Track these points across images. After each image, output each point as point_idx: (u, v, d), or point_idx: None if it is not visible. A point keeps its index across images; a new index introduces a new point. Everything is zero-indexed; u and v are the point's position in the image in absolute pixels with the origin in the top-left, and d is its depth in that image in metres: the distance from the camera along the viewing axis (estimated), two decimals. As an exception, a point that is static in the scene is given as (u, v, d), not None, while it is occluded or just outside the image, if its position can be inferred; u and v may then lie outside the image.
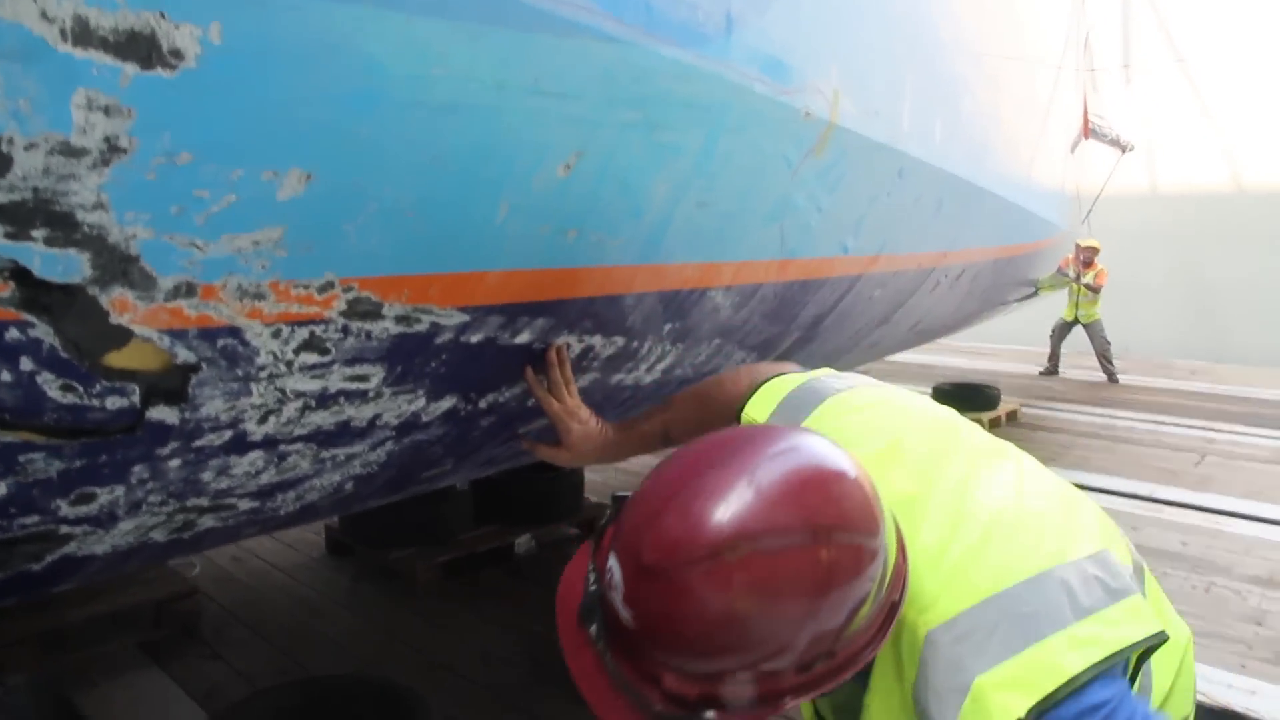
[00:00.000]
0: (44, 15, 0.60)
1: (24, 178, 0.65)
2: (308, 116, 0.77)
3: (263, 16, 0.68)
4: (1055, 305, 8.46)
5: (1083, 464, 5.70)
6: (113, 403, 0.90)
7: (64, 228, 0.70)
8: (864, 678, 0.85)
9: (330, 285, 0.93)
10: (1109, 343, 8.52)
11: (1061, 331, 8.75)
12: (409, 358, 1.13)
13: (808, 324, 2.07)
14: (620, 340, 1.51)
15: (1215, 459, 5.91)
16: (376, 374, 1.12)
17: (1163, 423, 6.93)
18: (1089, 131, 6.77)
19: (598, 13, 0.94)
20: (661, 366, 1.74)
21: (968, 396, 6.56)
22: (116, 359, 0.86)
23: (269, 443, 1.12)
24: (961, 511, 0.85)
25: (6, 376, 0.79)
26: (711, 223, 1.41)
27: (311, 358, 1.01)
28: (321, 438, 1.19)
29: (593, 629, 0.73)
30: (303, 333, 0.96)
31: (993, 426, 6.52)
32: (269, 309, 0.90)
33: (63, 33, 0.62)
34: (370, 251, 0.93)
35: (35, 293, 0.74)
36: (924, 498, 0.87)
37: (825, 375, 1.09)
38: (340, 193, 0.85)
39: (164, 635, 3.03)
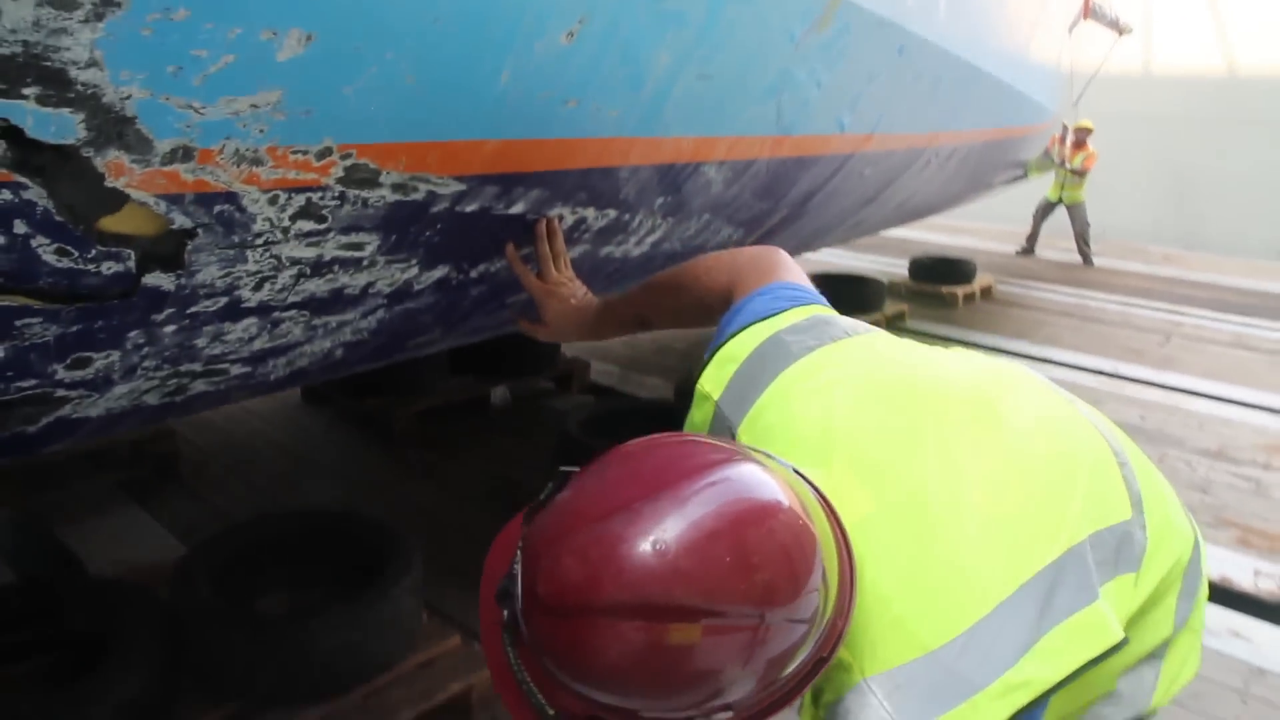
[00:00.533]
0: None
1: (13, 30, 0.62)
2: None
3: None
4: (1038, 185, 8.42)
5: (1053, 340, 5.87)
6: (108, 268, 0.88)
7: (57, 85, 0.67)
8: None
9: (328, 151, 0.90)
10: (1089, 225, 8.56)
11: (1044, 211, 8.74)
12: (404, 226, 1.11)
13: (797, 201, 2.05)
14: (613, 213, 1.49)
15: (1180, 340, 6.10)
16: (372, 242, 1.10)
17: (1132, 304, 7.10)
18: (1089, 12, 6.58)
19: None
20: (651, 240, 1.73)
21: (943, 271, 6.63)
22: (112, 223, 0.84)
23: (263, 309, 1.12)
24: (919, 539, 0.76)
25: (1, 240, 0.78)
26: (710, 95, 1.37)
27: (308, 225, 0.99)
28: (315, 305, 1.19)
29: (505, 615, 0.68)
30: (300, 199, 0.94)
31: (967, 301, 6.64)
32: (266, 175, 0.87)
33: None
34: (369, 117, 0.90)
35: (28, 154, 0.71)
36: (880, 518, 0.78)
37: (801, 320, 0.94)
38: (340, 55, 0.81)
39: (143, 474, 3.10)
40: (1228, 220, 9.94)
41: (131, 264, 0.89)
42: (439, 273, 1.31)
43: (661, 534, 0.62)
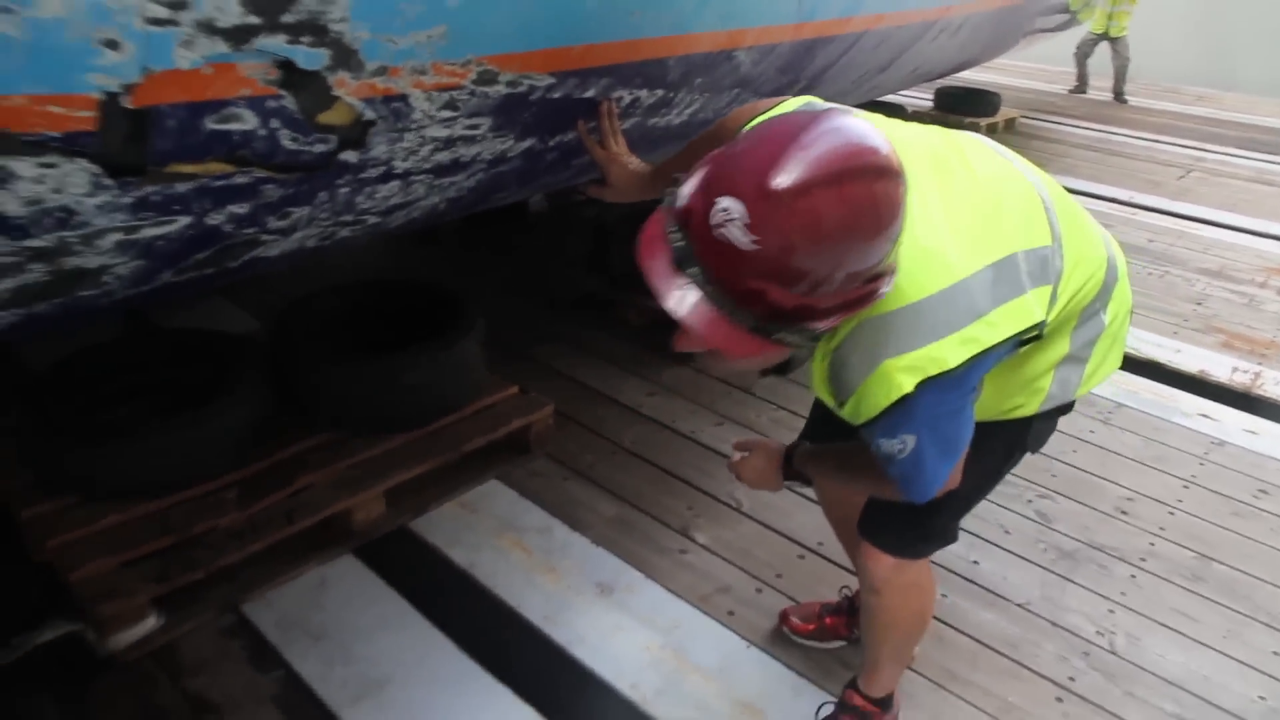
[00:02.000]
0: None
1: (304, 5, 0.97)
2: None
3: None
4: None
5: (1070, 171, 6.06)
6: (318, 148, 1.25)
7: (319, 34, 1.02)
8: None
9: (469, 62, 1.25)
10: (1129, 61, 8.40)
11: (1088, 47, 8.59)
12: (509, 111, 1.47)
13: (815, 74, 2.34)
14: (660, 92, 1.82)
15: (1199, 174, 6.28)
16: (485, 123, 1.46)
17: (1158, 140, 7.21)
18: None
19: None
20: (689, 111, 2.06)
21: (968, 100, 6.76)
22: (325, 117, 1.20)
23: (405, 174, 1.49)
24: (913, 234, 1.00)
25: (262, 132, 1.15)
26: (742, -4, 1.67)
27: (447, 113, 1.35)
28: (438, 170, 1.56)
29: (691, 271, 0.88)
30: (445, 96, 1.30)
31: (989, 131, 6.79)
32: (428, 80, 1.23)
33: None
34: (498, 36, 1.25)
35: (292, 76, 1.08)
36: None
37: (799, 105, 1.19)
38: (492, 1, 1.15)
39: None
40: (1264, 61, 9.73)
41: (334, 145, 1.27)
42: (526, 144, 1.67)
43: (843, 130, 0.86)
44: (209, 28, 0.92)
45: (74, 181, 0.99)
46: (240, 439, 2.20)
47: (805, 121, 0.88)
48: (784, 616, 2.01)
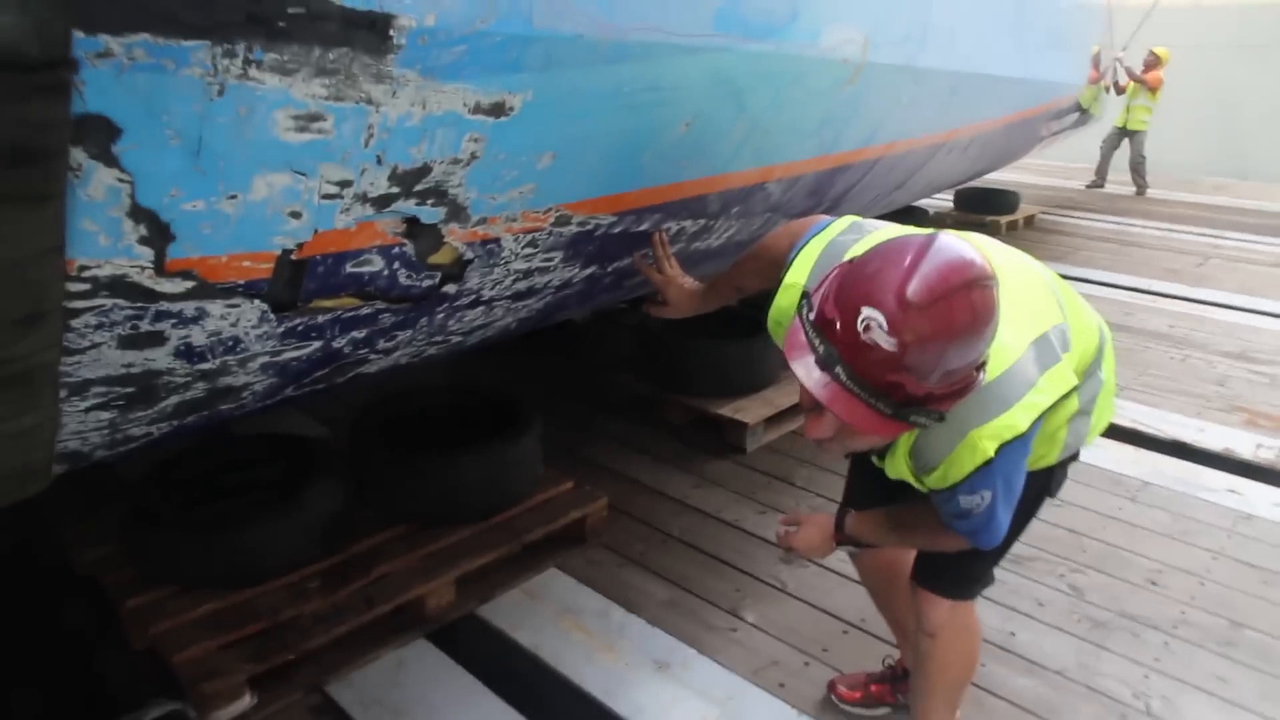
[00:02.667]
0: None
1: (432, 176, 1.24)
2: (556, 125, 1.34)
3: (548, 85, 1.24)
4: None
5: (1088, 262, 6.24)
6: (425, 283, 1.52)
7: (440, 197, 1.29)
8: None
9: (550, 210, 1.52)
10: (1144, 156, 8.72)
11: (1113, 141, 8.92)
12: (579, 245, 1.73)
13: (837, 196, 2.62)
14: (703, 221, 2.09)
15: (1218, 261, 6.41)
16: (558, 255, 1.73)
17: (1175, 230, 7.38)
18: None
19: (709, 34, 1.47)
20: (727, 235, 2.33)
21: (988, 200, 7.05)
22: (434, 258, 1.47)
23: (489, 301, 1.75)
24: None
25: (385, 272, 1.41)
26: (771, 141, 1.95)
27: (528, 250, 1.61)
28: (516, 295, 1.82)
29: (836, 370, 1.06)
30: (528, 236, 1.57)
31: (1010, 229, 7.03)
32: (517, 226, 1.50)
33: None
34: (572, 189, 1.52)
35: (414, 228, 1.34)
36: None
37: (844, 229, 1.41)
38: (564, 161, 1.42)
39: None
40: (1278, 149, 9.98)
41: (437, 280, 1.53)
42: (589, 270, 1.93)
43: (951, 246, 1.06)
44: (363, 198, 1.19)
45: (246, 316, 1.25)
46: (322, 532, 2.42)
47: (922, 243, 1.07)
48: (832, 686, 2.14)
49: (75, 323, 1.05)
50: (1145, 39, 8.53)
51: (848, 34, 1.88)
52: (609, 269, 1.99)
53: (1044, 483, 1.61)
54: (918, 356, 1.03)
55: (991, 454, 1.24)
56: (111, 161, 0.91)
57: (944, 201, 7.68)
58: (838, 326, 1.06)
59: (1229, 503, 3.07)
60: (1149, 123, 8.65)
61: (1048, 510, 2.98)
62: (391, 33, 0.96)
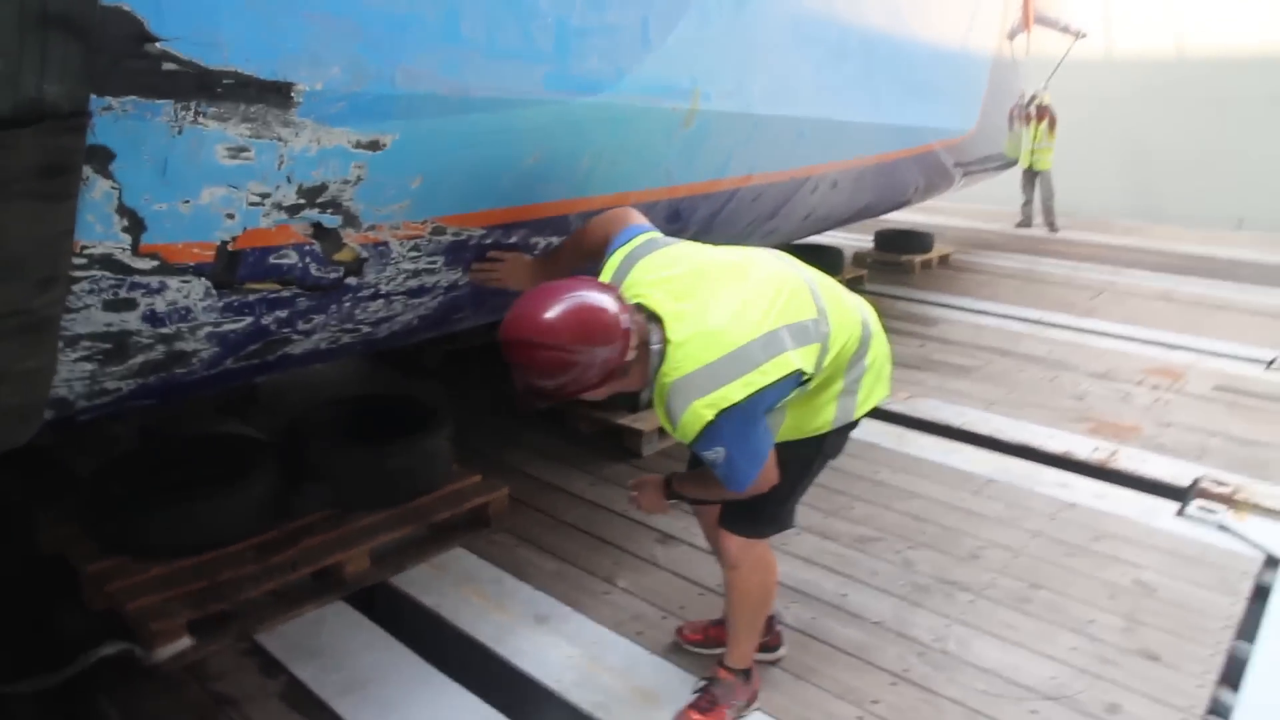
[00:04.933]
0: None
1: (329, 190, 1.83)
2: (421, 157, 1.94)
3: (410, 128, 1.84)
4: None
5: (993, 296, 7.02)
6: (331, 275, 2.09)
7: (337, 208, 1.88)
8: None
9: (426, 221, 2.11)
10: (1054, 194, 9.80)
11: (1026, 180, 10.01)
12: (457, 252, 2.32)
13: (701, 223, 3.25)
14: (557, 238, 2.69)
15: (1110, 295, 7.21)
16: (440, 259, 2.31)
17: (1079, 268, 8.21)
18: (1031, 24, 7.76)
19: (540, 92, 2.09)
20: (599, 252, 2.93)
21: (903, 241, 7.84)
22: (338, 256, 2.05)
23: (387, 295, 2.33)
24: (701, 318, 1.78)
25: (300, 264, 1.98)
26: (620, 170, 2.57)
27: (414, 253, 2.20)
28: (410, 292, 2.39)
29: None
30: (411, 242, 2.15)
31: (924, 267, 7.84)
32: (401, 233, 2.08)
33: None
34: (442, 205, 2.11)
35: (320, 230, 1.93)
36: (679, 312, 1.81)
37: (639, 244, 1.98)
38: (431, 184, 2.02)
39: (236, 400, 4.43)
40: (1187, 195, 10.98)
41: (340, 274, 2.11)
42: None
43: (554, 307, 1.70)
44: (279, 205, 1.77)
45: (195, 290, 1.82)
46: (258, 511, 2.96)
47: (525, 295, 1.79)
48: (679, 631, 2.70)
49: (75, 288, 1.62)
50: (1063, 91, 9.51)
51: (677, 87, 2.53)
52: (491, 274, 2.58)
53: (818, 447, 2.16)
54: (535, 379, 1.73)
55: (710, 418, 1.75)
56: (108, 175, 1.49)
57: (865, 240, 8.47)
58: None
59: (1057, 494, 3.70)
60: (1052, 161, 9.61)
61: (896, 498, 3.76)
62: (293, 94, 1.56)
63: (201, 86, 1.44)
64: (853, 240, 8.51)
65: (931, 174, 5.95)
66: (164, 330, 1.87)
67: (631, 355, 1.75)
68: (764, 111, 3.02)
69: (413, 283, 2.34)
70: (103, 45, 1.28)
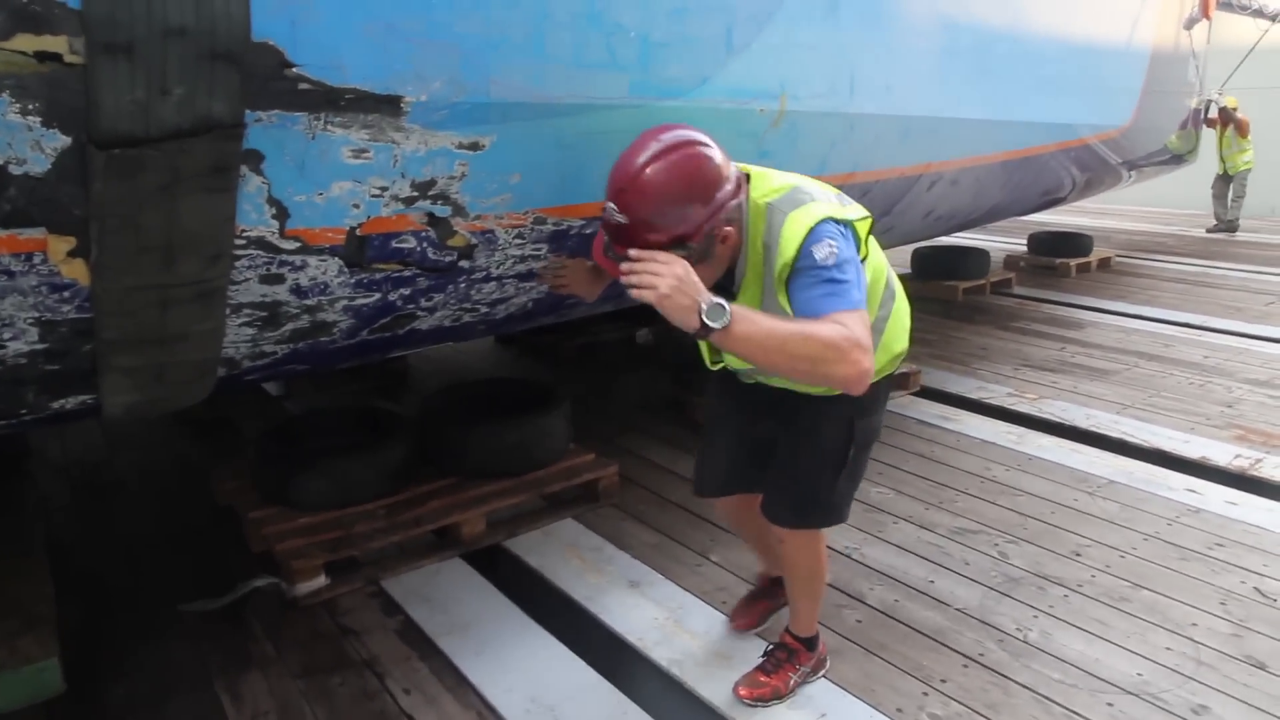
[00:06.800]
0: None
1: (438, 184, 2.22)
2: (517, 156, 2.31)
3: (505, 131, 2.21)
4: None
5: (1152, 301, 6.79)
6: (446, 258, 2.49)
7: (447, 200, 2.27)
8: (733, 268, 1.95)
9: (527, 212, 2.48)
10: (1244, 195, 9.43)
11: (1218, 186, 9.66)
12: (559, 240, 2.68)
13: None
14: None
15: None
16: (545, 247, 2.68)
17: (1259, 272, 7.75)
18: (1212, 11, 7.44)
19: (625, 98, 2.41)
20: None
21: (1058, 245, 7.67)
22: (450, 241, 2.44)
23: (498, 279, 2.71)
24: (779, 176, 1.96)
25: (419, 248, 2.39)
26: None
27: (519, 241, 2.57)
28: (520, 276, 2.77)
29: (605, 249, 1.89)
30: (515, 230, 2.53)
31: (1080, 271, 7.70)
32: (505, 222, 2.46)
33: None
34: (540, 198, 2.47)
35: (434, 220, 2.33)
36: (763, 172, 1.99)
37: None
38: (528, 180, 2.38)
39: (387, 383, 5.14)
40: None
41: (455, 257, 2.50)
42: (576, 262, 2.87)
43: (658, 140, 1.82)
44: (396, 197, 2.18)
45: (330, 269, 2.25)
46: (390, 475, 3.44)
47: (637, 139, 1.88)
48: (732, 620, 2.91)
49: (236, 265, 2.07)
50: (1258, 81, 8.94)
51: (764, 90, 2.79)
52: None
53: (862, 407, 2.22)
54: (637, 220, 1.79)
55: (816, 219, 1.80)
56: (259, 173, 1.93)
57: (1018, 244, 8.32)
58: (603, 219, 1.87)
59: (1182, 499, 3.66)
60: (1248, 162, 9.07)
61: (1003, 494, 3.89)
62: (402, 104, 1.95)
63: (329, 101, 1.85)
64: (1004, 244, 8.38)
65: (1089, 169, 5.84)
66: (308, 302, 2.31)
67: (735, 202, 1.87)
68: (863, 110, 3.22)
69: (520, 268, 2.71)
70: (254, 71, 1.71)
